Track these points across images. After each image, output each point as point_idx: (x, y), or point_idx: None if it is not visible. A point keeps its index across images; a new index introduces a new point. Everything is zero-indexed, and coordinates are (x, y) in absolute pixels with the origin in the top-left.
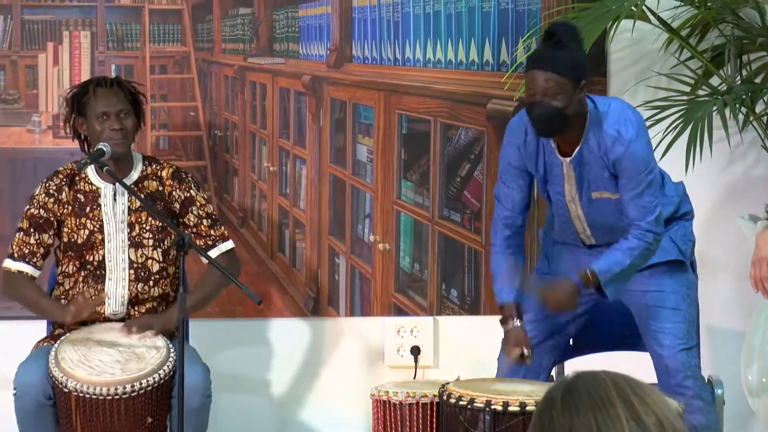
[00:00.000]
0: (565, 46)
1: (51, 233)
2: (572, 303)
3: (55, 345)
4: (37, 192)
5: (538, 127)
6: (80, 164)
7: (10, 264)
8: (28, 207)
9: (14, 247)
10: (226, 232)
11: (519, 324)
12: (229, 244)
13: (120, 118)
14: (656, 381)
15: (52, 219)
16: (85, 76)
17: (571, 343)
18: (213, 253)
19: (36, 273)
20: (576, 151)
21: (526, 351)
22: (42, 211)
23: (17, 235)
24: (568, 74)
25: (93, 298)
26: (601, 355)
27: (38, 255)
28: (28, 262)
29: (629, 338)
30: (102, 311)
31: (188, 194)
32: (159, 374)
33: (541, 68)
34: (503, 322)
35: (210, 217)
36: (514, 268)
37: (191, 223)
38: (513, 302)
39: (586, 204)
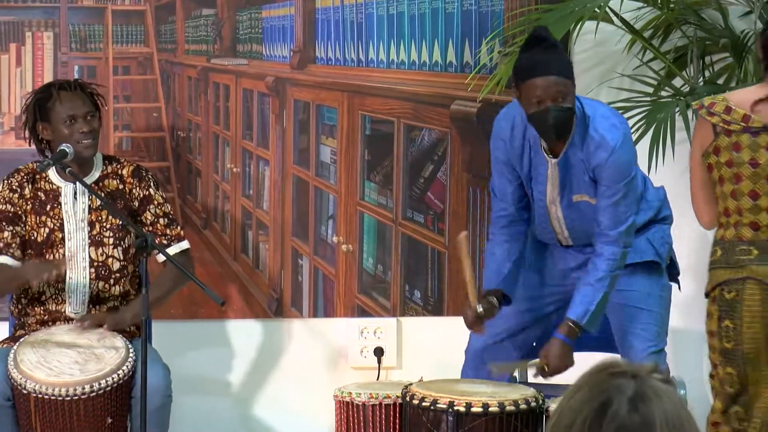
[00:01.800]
0: (557, 46)
1: (22, 225)
2: (570, 361)
3: (15, 347)
4: (0, 189)
5: (556, 132)
6: (42, 166)
7: None
8: None
9: None
10: (182, 232)
11: (491, 300)
12: (184, 245)
13: (87, 120)
14: None
15: (20, 213)
16: (48, 77)
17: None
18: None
19: (16, 264)
20: (563, 152)
21: (479, 308)
22: (9, 206)
23: None
24: (570, 75)
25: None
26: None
27: (14, 246)
28: (5, 254)
29: (601, 339)
30: (63, 311)
31: (147, 192)
32: (118, 374)
33: (547, 73)
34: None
35: (167, 216)
36: (506, 258)
37: (148, 221)
38: (494, 288)
39: (566, 207)
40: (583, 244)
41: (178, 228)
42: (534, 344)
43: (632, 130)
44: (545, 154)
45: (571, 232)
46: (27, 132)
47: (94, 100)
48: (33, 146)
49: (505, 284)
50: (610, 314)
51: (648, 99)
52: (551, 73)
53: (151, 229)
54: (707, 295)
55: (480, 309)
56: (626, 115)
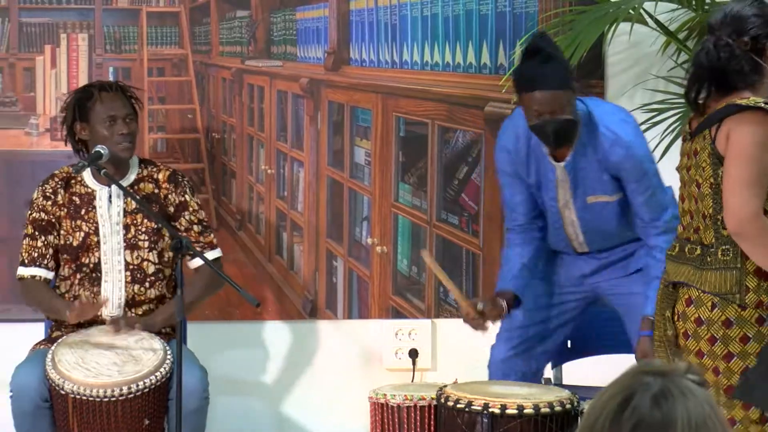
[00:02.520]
0: (554, 58)
1: (55, 234)
2: None
3: (52, 347)
4: (35, 196)
5: (556, 142)
6: (77, 167)
7: (23, 271)
8: (29, 212)
9: (24, 254)
10: (215, 240)
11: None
12: (216, 253)
13: (127, 122)
14: None
15: (53, 220)
16: (83, 78)
17: (568, 345)
18: (198, 261)
19: (50, 275)
20: (570, 155)
21: (480, 305)
22: (43, 214)
23: (24, 241)
24: (568, 86)
25: (94, 301)
26: (595, 359)
27: (47, 256)
28: (39, 266)
29: (621, 342)
30: (100, 313)
31: (183, 198)
32: (156, 376)
33: (542, 88)
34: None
35: (201, 223)
36: (517, 259)
37: (182, 228)
38: (504, 290)
39: (580, 209)
40: (598, 249)
41: (212, 236)
42: (564, 350)
43: (667, 132)
44: (551, 160)
45: (586, 235)
46: (64, 131)
47: (132, 103)
48: (68, 147)
49: (515, 284)
50: (624, 318)
51: (683, 101)
52: (548, 87)
53: (185, 235)
54: None
55: (481, 306)
56: (661, 117)
